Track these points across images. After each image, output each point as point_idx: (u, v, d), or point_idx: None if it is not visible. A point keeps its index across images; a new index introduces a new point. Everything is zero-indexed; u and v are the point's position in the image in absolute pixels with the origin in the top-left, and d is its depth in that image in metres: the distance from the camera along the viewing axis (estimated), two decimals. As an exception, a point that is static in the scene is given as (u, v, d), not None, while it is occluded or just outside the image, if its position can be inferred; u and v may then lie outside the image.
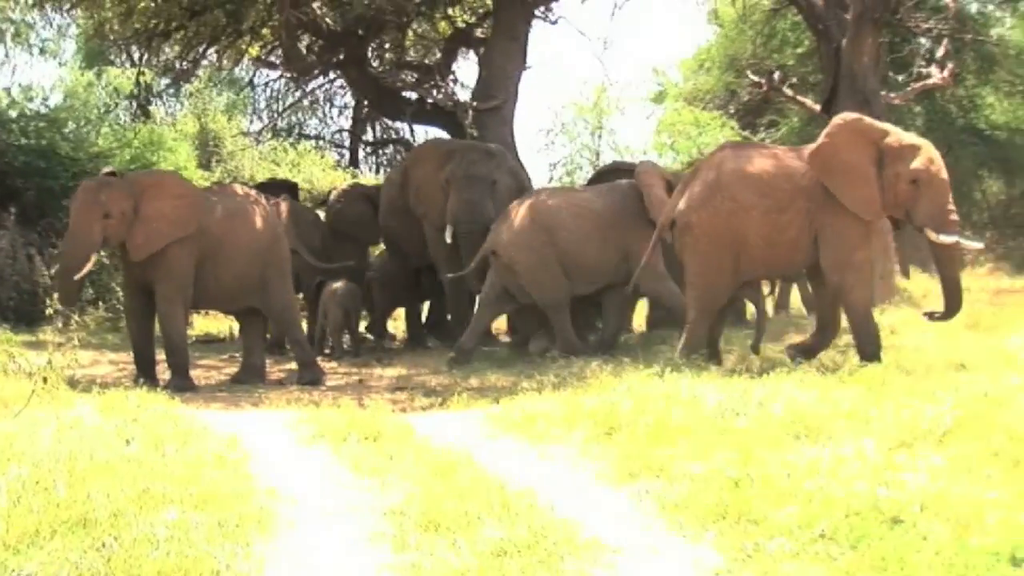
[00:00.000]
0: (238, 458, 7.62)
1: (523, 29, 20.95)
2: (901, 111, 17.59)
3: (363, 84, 24.17)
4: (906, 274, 15.00)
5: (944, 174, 11.05)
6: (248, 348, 13.93)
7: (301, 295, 17.69)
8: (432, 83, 23.06)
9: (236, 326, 15.93)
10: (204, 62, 25.50)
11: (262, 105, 32.40)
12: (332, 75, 27.12)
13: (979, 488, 5.92)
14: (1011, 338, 12.13)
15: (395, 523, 5.93)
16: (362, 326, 19.17)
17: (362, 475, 7.26)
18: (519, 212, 14.71)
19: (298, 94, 30.96)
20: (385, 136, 31.67)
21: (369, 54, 24.22)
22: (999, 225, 28.09)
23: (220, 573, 4.86)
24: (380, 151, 32.26)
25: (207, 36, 23.01)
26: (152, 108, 28.92)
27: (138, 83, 25.03)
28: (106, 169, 13.48)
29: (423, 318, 18.81)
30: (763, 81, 21.26)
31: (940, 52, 20.78)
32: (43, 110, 21.37)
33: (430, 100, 22.68)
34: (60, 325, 12.60)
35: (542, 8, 21.76)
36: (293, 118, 32.56)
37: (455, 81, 25.22)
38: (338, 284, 16.33)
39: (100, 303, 17.34)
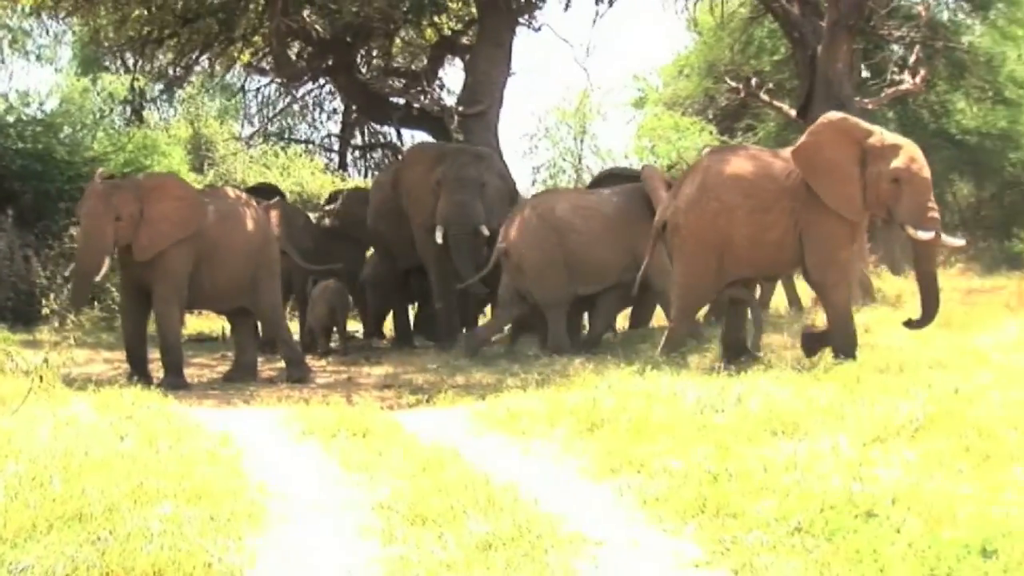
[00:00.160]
0: (230, 454, 7.61)
1: (507, 36, 20.96)
2: (875, 116, 17.58)
3: (352, 90, 24.17)
4: (897, 272, 15.00)
5: (925, 172, 10.95)
6: (240, 347, 13.91)
7: (293, 296, 17.71)
8: (419, 89, 23.09)
9: (228, 326, 15.89)
10: (197, 68, 25.51)
11: (253, 110, 32.45)
12: (321, 81, 27.14)
13: (951, 482, 5.94)
14: (981, 337, 12.17)
15: (383, 517, 5.93)
16: (356, 326, 19.22)
17: (351, 471, 7.26)
18: (530, 213, 14.75)
19: (288, 99, 31.08)
20: (373, 140, 31.68)
21: (357, 60, 24.22)
22: (970, 227, 28.11)
23: (212, 566, 4.85)
24: (368, 155, 32.24)
25: (199, 43, 23.01)
26: (146, 113, 28.83)
27: (132, 89, 24.98)
28: (100, 172, 13.42)
29: (411, 318, 18.77)
30: (741, 87, 21.34)
31: (912, 59, 20.88)
32: (40, 115, 21.36)
33: (417, 105, 22.70)
34: (56, 325, 12.63)
35: (526, 16, 21.77)
36: (283, 123, 32.59)
37: (441, 87, 25.31)
38: (326, 283, 16.32)
39: (95, 303, 17.31)
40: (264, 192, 18.32)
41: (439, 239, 15.63)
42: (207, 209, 12.97)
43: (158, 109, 30.33)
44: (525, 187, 21.76)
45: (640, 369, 10.30)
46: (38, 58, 27.15)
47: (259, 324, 14.40)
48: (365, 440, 8.24)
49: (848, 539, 5.22)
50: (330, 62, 23.29)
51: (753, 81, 21.22)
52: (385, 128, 29.58)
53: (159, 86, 27.26)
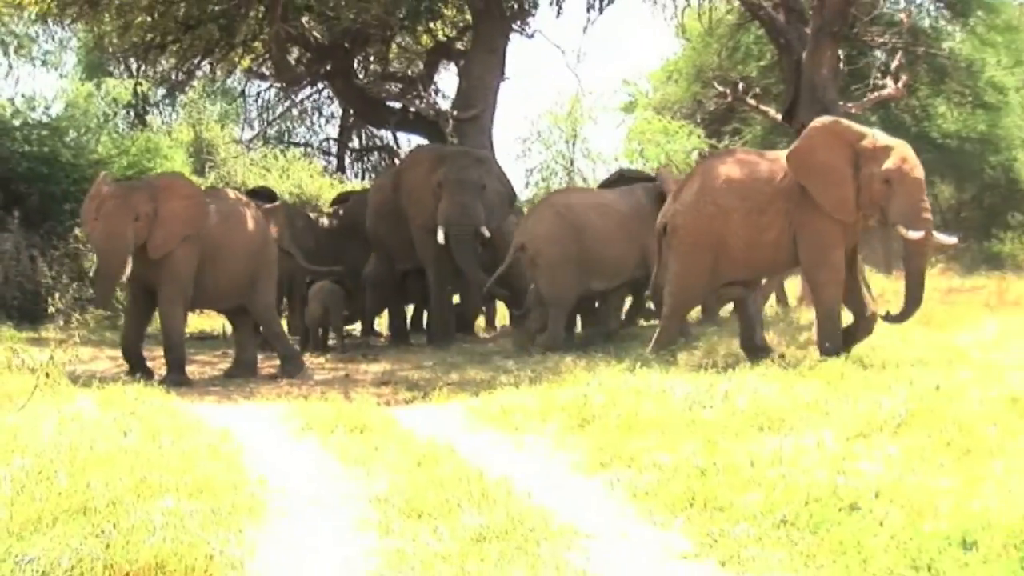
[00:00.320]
0: (231, 449, 7.60)
1: (501, 42, 20.99)
2: (858, 120, 17.52)
3: (349, 94, 24.21)
4: (889, 272, 14.99)
5: (917, 173, 10.91)
6: (240, 344, 13.91)
7: (293, 295, 17.69)
8: (415, 93, 23.15)
9: (228, 324, 15.87)
10: (198, 73, 25.57)
11: (253, 114, 32.38)
12: (320, 86, 27.26)
13: (932, 476, 5.95)
14: (961, 335, 12.20)
15: (380, 511, 5.93)
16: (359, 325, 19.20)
17: (349, 465, 7.26)
18: (548, 210, 14.80)
19: (287, 104, 31.05)
20: (370, 144, 31.67)
21: (355, 66, 24.28)
22: (951, 228, 27.99)
23: (213, 558, 4.84)
24: (365, 158, 32.20)
25: (201, 49, 23.02)
26: (149, 117, 28.80)
27: (136, 93, 24.93)
28: (103, 175, 13.39)
29: (407, 318, 18.74)
30: (728, 92, 21.32)
31: (894, 64, 20.85)
32: (45, 119, 21.24)
33: (413, 109, 22.78)
34: (61, 323, 12.56)
35: (519, 22, 21.80)
36: (283, 126, 32.55)
37: (436, 91, 25.36)
38: (320, 284, 16.32)
39: (100, 302, 17.31)
40: (261, 196, 18.29)
41: (441, 239, 15.63)
42: (210, 209, 12.98)
43: (161, 113, 30.30)
44: (519, 189, 21.65)
45: (630, 366, 10.30)
46: (44, 63, 26.99)
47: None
48: (362, 435, 8.23)
49: (832, 531, 5.24)
50: (328, 67, 23.34)
51: (740, 86, 21.21)
52: (382, 132, 29.60)
53: (162, 91, 27.31)
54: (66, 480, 5.74)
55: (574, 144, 30.14)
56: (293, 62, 23.74)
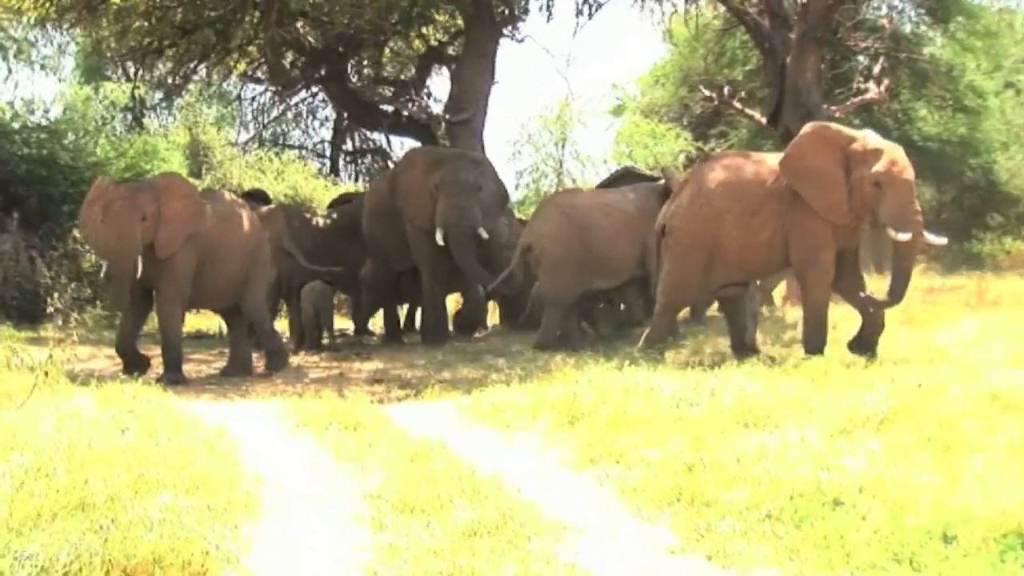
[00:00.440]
0: (227, 446, 7.59)
1: (491, 47, 20.96)
2: (841, 123, 17.60)
3: (343, 98, 24.17)
4: (881, 271, 14.97)
5: (906, 175, 10.86)
6: (235, 343, 13.91)
7: (291, 295, 17.66)
8: (407, 97, 23.09)
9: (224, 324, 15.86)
10: (195, 77, 25.48)
11: (249, 117, 32.25)
12: (314, 89, 27.15)
13: (914, 472, 5.96)
14: (942, 333, 12.22)
15: (373, 506, 5.94)
16: (346, 323, 19.19)
17: (343, 462, 7.26)
18: (555, 211, 14.86)
19: (282, 107, 30.95)
20: (363, 146, 31.61)
21: (348, 70, 24.23)
22: (931, 229, 28.14)
23: (210, 553, 4.84)
24: (359, 160, 32.15)
25: (197, 53, 22.98)
26: (146, 120, 28.74)
27: (133, 97, 24.92)
28: (101, 178, 13.36)
29: (399, 317, 18.72)
30: (714, 95, 21.31)
31: (877, 69, 20.86)
32: (44, 122, 21.20)
33: (405, 113, 22.72)
34: (60, 323, 12.54)
35: (509, 27, 21.76)
36: (278, 129, 32.44)
37: (428, 95, 25.27)
38: (312, 285, 16.32)
39: (98, 302, 17.28)
40: (256, 197, 18.28)
41: (440, 241, 15.60)
42: (208, 210, 12.97)
43: (158, 116, 30.22)
44: (509, 191, 21.62)
45: (618, 365, 10.30)
46: (43, 68, 27.02)
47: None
48: (356, 433, 8.23)
49: (816, 526, 5.25)
50: (322, 71, 23.32)
51: (726, 90, 21.21)
52: (375, 135, 29.58)
53: (159, 94, 27.25)
54: (65, 477, 5.73)
55: (563, 147, 30.04)
56: (288, 66, 23.68)
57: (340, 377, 13.36)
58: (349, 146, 31.93)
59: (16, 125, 20.67)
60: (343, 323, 19.80)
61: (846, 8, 20.40)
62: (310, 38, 22.77)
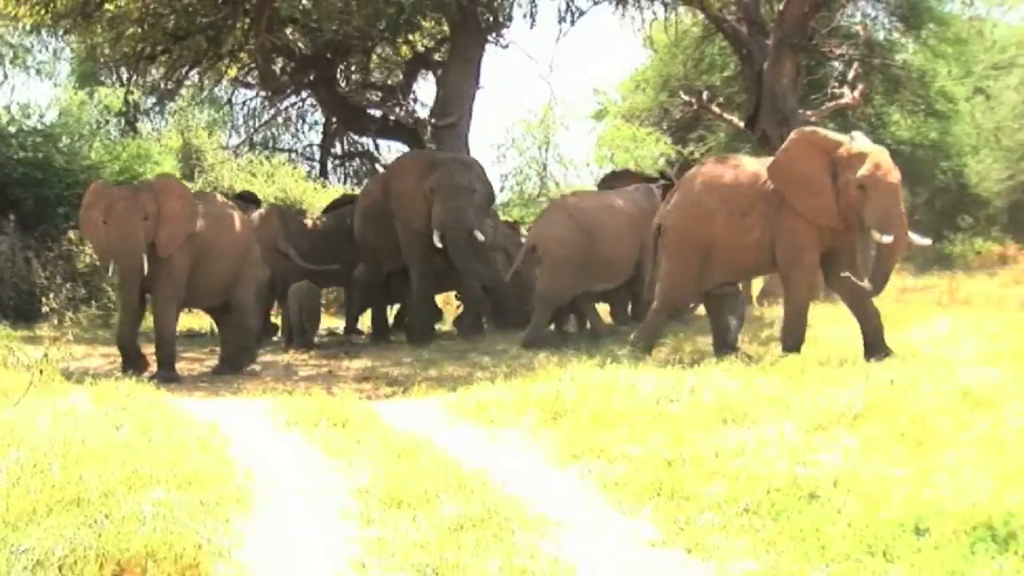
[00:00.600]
0: (219, 443, 7.58)
1: (476, 53, 20.92)
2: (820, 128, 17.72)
3: (332, 102, 24.12)
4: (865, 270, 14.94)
5: (891, 178, 10.88)
6: (225, 342, 13.87)
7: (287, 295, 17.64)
8: (394, 102, 23.11)
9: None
10: (187, 82, 25.37)
11: (240, 121, 32.19)
12: (304, 94, 27.11)
13: (887, 466, 5.97)
14: (914, 332, 12.26)
15: (362, 501, 5.94)
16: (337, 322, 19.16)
17: (332, 458, 7.26)
18: (559, 213, 14.93)
19: (273, 112, 30.92)
20: (352, 150, 31.53)
21: (337, 75, 24.17)
22: (910, 230, 28.29)
23: (202, 547, 4.83)
24: (347, 164, 32.10)
25: (190, 59, 22.87)
26: (139, 124, 28.61)
27: (127, 101, 24.80)
28: (97, 181, 13.33)
29: (388, 317, 18.68)
30: (693, 100, 21.41)
31: (851, 74, 20.96)
32: (39, 126, 21.15)
33: (393, 117, 22.74)
34: (55, 322, 12.52)
35: (494, 34, 21.69)
36: (268, 133, 32.39)
37: (415, 100, 25.28)
38: (298, 285, 16.28)
39: (92, 302, 17.25)
40: (246, 199, 18.25)
41: (437, 243, 15.53)
42: (201, 211, 12.96)
43: (151, 120, 30.08)
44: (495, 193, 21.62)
45: (601, 362, 10.32)
46: (38, 73, 26.92)
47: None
48: (345, 429, 8.23)
49: (793, 519, 5.27)
50: (312, 77, 23.26)
51: (705, 95, 21.29)
52: (363, 138, 29.51)
53: (152, 99, 27.10)
54: (60, 473, 5.71)
55: (547, 150, 29.99)
56: (278, 72, 23.64)
57: (329, 375, 13.35)
58: (338, 149, 31.87)
59: (12, 129, 20.61)
60: (333, 322, 19.78)
61: (821, 15, 20.49)
62: (300, 44, 22.71)
